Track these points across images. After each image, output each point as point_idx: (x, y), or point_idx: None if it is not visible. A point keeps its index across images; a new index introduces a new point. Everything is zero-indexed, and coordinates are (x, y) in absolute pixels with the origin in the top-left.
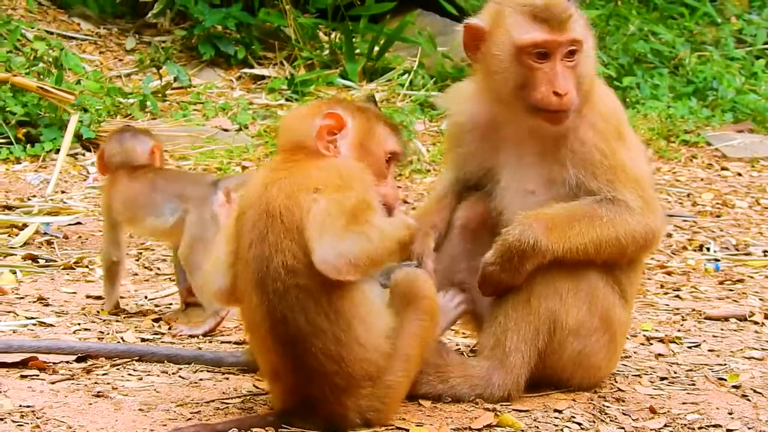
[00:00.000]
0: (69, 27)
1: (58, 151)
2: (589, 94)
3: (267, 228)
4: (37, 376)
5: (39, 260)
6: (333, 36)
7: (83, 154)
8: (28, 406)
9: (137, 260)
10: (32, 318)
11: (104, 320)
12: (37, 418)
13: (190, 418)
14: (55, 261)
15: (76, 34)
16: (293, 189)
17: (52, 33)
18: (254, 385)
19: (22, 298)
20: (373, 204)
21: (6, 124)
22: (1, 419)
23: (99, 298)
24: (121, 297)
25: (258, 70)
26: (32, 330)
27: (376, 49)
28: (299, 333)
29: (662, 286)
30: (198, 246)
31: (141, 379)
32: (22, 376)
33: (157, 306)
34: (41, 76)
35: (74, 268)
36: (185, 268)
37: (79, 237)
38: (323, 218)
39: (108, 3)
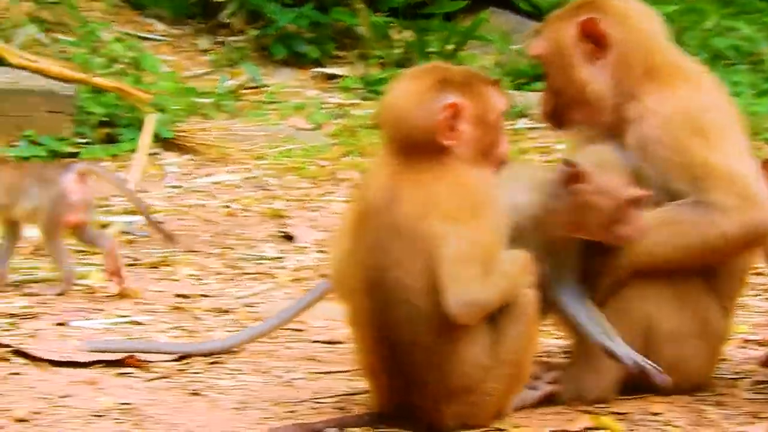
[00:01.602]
0: (143, 28)
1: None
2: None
3: (391, 241)
4: (133, 374)
5: (124, 259)
6: (405, 34)
7: (161, 154)
8: (127, 404)
9: (220, 259)
10: (124, 316)
11: (197, 317)
12: (136, 415)
13: (285, 418)
14: (140, 260)
15: (150, 35)
16: (424, 211)
17: (127, 34)
18: (348, 386)
19: (111, 296)
20: (502, 233)
21: (86, 124)
22: (102, 416)
23: (186, 296)
24: (206, 296)
25: (331, 69)
26: (125, 329)
27: (450, 47)
28: (401, 342)
29: (753, 288)
30: (50, 223)
31: (234, 377)
32: (119, 374)
33: (245, 305)
34: (119, 77)
35: (158, 267)
36: (45, 244)
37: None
38: (457, 264)
39: (181, 4)
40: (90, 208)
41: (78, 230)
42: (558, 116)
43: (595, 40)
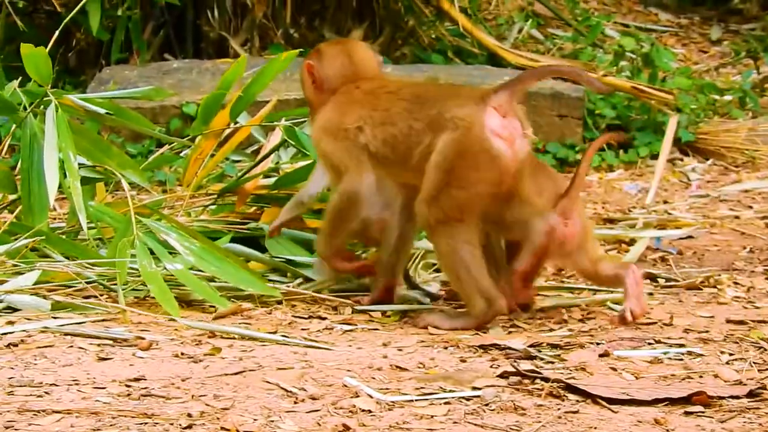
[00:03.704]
0: (646, 18)
1: (654, 156)
2: None
3: None
4: (703, 413)
5: (658, 279)
6: None
7: (681, 159)
8: None
9: None
10: (678, 345)
11: (761, 348)
12: None
13: None
14: (677, 281)
15: (654, 26)
16: None
17: (627, 26)
18: None
19: (655, 323)
20: None
21: (595, 128)
22: None
23: (741, 323)
24: (766, 322)
25: None
26: (681, 360)
27: None
28: None
29: None
30: None
31: None
32: (687, 413)
33: None
34: (629, 75)
35: (700, 289)
36: None
37: (695, 253)
38: None
39: None
40: None
41: None
42: None
43: None
